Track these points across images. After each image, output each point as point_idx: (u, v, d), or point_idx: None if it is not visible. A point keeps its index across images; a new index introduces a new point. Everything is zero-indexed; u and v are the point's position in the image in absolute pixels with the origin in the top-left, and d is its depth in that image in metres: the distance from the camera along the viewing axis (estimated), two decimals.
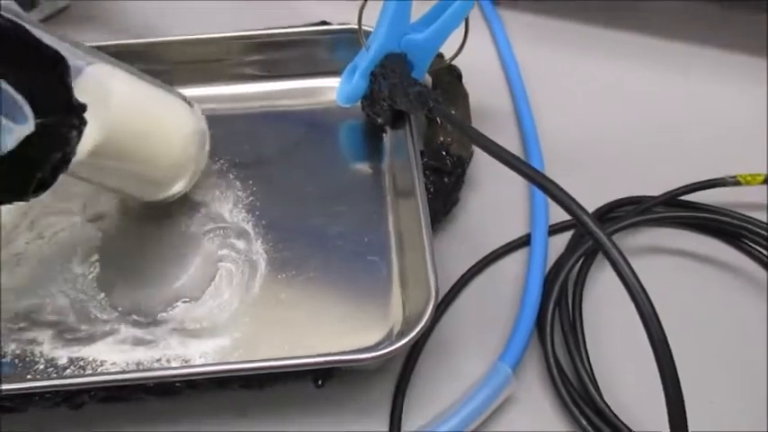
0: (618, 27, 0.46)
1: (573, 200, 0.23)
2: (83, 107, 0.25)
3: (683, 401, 0.21)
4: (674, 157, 0.38)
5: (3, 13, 0.23)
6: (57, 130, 0.24)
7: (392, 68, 0.34)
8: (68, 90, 0.24)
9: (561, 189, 0.24)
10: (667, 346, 0.21)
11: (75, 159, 0.25)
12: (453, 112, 0.36)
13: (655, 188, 0.36)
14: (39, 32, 0.26)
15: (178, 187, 0.32)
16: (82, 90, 0.25)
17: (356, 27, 0.36)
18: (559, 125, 0.40)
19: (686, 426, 0.21)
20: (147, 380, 0.27)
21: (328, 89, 0.39)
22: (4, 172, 0.22)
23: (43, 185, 0.24)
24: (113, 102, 0.28)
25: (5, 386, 0.25)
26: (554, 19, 0.47)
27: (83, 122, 0.25)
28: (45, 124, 0.23)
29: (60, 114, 0.24)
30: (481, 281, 0.34)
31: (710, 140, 0.39)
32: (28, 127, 0.22)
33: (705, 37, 0.44)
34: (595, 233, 0.22)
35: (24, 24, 0.23)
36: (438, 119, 0.36)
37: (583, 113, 0.41)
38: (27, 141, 0.22)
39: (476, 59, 0.38)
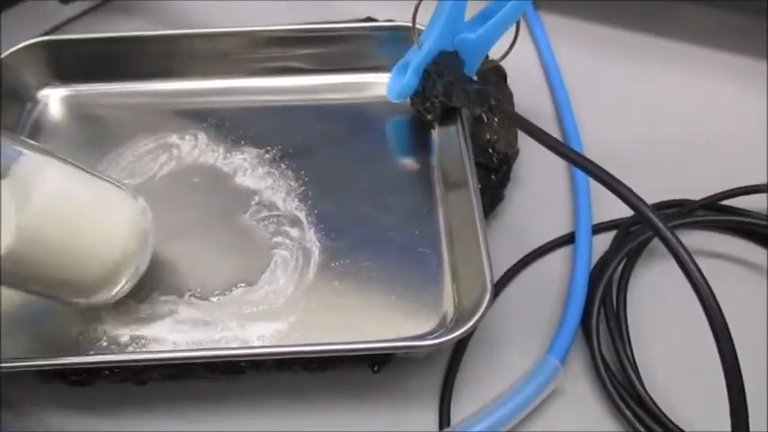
0: (658, 33, 0.46)
1: (630, 189, 0.24)
2: None
3: (745, 397, 0.21)
4: (715, 162, 0.39)
5: None
6: None
7: (446, 66, 0.34)
8: None
9: (619, 181, 0.25)
10: (730, 337, 0.22)
11: None
12: None
13: (694, 193, 0.37)
14: None
15: (116, 289, 0.29)
16: (10, 186, 0.24)
17: (403, 24, 0.37)
18: (600, 128, 0.41)
19: (747, 421, 0.21)
20: (211, 358, 0.27)
21: (374, 84, 0.39)
22: None
23: None
24: (35, 203, 0.25)
25: (75, 359, 0.26)
26: (594, 23, 0.47)
27: None
28: None
29: None
30: (525, 277, 0.35)
31: (752, 146, 0.40)
32: None
33: (748, 46, 0.45)
34: (652, 220, 0.23)
35: None
36: (484, 115, 0.37)
37: (623, 117, 0.42)
38: None
39: (518, 61, 0.39)
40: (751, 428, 0.29)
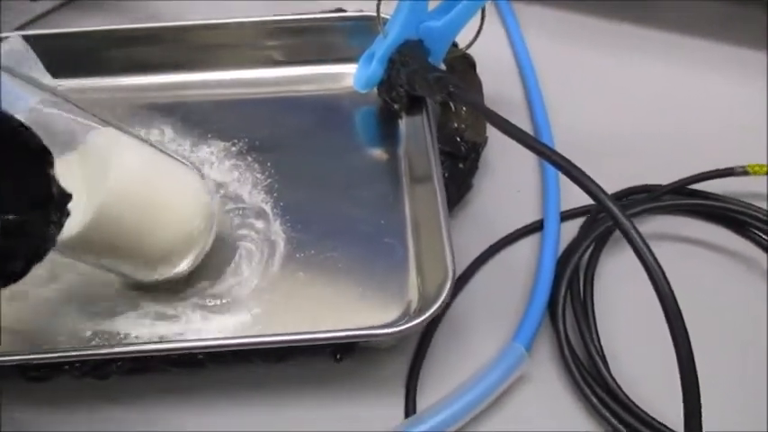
0: (630, 21, 0.46)
1: (592, 180, 0.24)
2: (65, 197, 0.23)
3: (696, 377, 0.21)
4: (683, 148, 0.39)
5: None
6: (33, 227, 0.22)
7: (410, 55, 0.34)
8: (49, 184, 0.22)
9: (581, 170, 0.25)
10: (681, 318, 0.22)
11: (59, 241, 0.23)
12: None
13: (664, 178, 0.37)
14: (39, 95, 0.25)
15: (180, 269, 0.29)
16: (80, 159, 0.24)
17: (372, 14, 0.36)
18: (571, 115, 0.41)
19: (699, 401, 0.21)
20: (169, 351, 0.27)
21: (344, 75, 0.39)
22: None
23: (13, 277, 0.22)
24: (113, 180, 0.25)
25: (35, 356, 0.26)
26: (566, 12, 0.47)
27: (64, 215, 0.23)
28: (18, 223, 0.21)
29: (37, 211, 0.22)
30: (494, 264, 0.35)
31: (721, 132, 0.40)
32: None
33: (715, 32, 0.45)
34: (612, 210, 0.23)
35: (13, 115, 0.21)
36: (453, 105, 0.37)
37: (594, 104, 0.42)
38: None
39: (489, 49, 0.39)
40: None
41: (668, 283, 0.22)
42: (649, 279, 0.22)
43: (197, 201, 0.29)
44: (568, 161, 0.25)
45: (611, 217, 0.23)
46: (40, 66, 0.30)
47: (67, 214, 0.23)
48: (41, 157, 0.22)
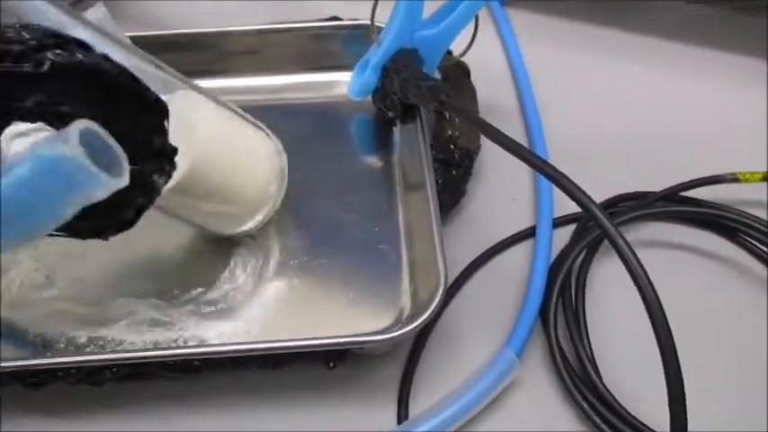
0: (622, 28, 0.47)
1: (580, 190, 0.24)
2: (174, 150, 0.24)
3: (682, 381, 0.22)
4: (676, 155, 0.39)
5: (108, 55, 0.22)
6: (147, 177, 0.23)
7: (404, 63, 0.34)
8: (165, 136, 0.23)
9: (569, 179, 0.25)
10: (667, 324, 0.22)
11: None
12: None
13: (657, 185, 0.37)
14: (127, 54, 0.26)
15: (254, 223, 0.31)
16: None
17: (367, 23, 0.37)
18: (564, 122, 0.41)
19: (685, 408, 0.22)
20: (164, 358, 0.28)
21: (340, 83, 0.40)
22: (86, 214, 0.20)
23: (125, 225, 0.24)
24: (198, 136, 0.28)
25: (30, 362, 0.26)
26: (560, 19, 0.48)
27: (173, 167, 0.24)
28: (137, 172, 0.22)
29: (153, 161, 0.23)
30: (487, 271, 0.35)
31: (712, 139, 0.40)
32: (123, 180, 0.20)
33: (708, 39, 0.45)
34: (600, 220, 0.23)
35: (127, 68, 0.22)
36: (447, 113, 0.37)
37: (587, 111, 0.42)
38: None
39: (484, 57, 0.39)
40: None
41: (653, 288, 0.22)
42: (635, 284, 0.23)
43: (269, 159, 0.31)
44: (554, 168, 0.25)
45: (599, 226, 0.24)
46: (122, 33, 0.32)
47: (175, 166, 0.24)
48: (158, 109, 0.23)
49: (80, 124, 0.19)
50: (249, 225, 0.31)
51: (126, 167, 0.20)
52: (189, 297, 0.31)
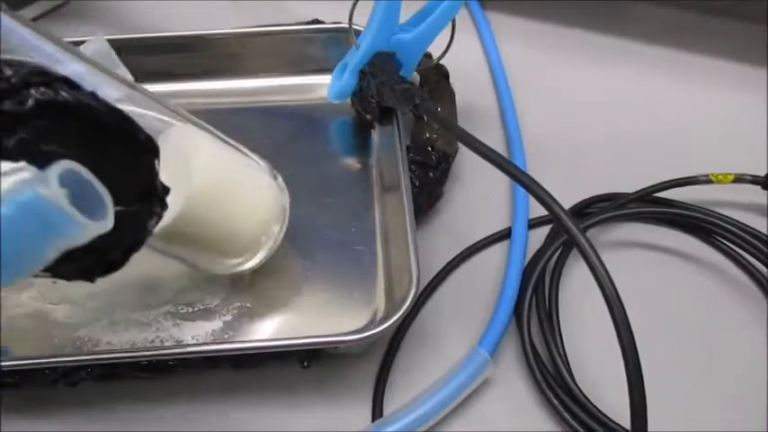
0: (600, 31, 0.47)
1: (547, 193, 0.25)
2: (166, 191, 0.23)
3: (640, 371, 0.22)
4: (651, 157, 0.40)
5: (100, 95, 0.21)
6: (135, 219, 0.22)
7: (381, 67, 0.35)
8: (154, 177, 0.23)
9: (538, 184, 0.26)
10: (627, 322, 0.22)
11: None
12: (439, 109, 0.38)
13: (633, 186, 0.37)
14: (123, 88, 0.25)
15: (252, 263, 0.30)
16: (163, 156, 0.23)
17: (346, 26, 0.37)
18: (542, 124, 0.42)
19: (644, 399, 0.22)
20: (140, 358, 0.28)
21: (320, 86, 0.40)
22: (70, 257, 0.20)
23: (112, 267, 0.23)
24: (194, 174, 0.26)
25: (6, 362, 0.26)
26: (540, 22, 0.48)
27: (164, 208, 0.23)
28: (124, 213, 0.21)
29: (142, 202, 0.22)
30: (463, 271, 0.36)
31: (687, 141, 0.41)
32: (106, 224, 0.19)
33: (684, 42, 0.46)
34: (565, 222, 0.24)
35: (121, 108, 0.21)
36: (424, 116, 0.38)
37: (565, 114, 0.43)
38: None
39: (463, 60, 0.40)
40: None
41: (612, 283, 0.23)
42: (594, 279, 0.23)
43: (270, 197, 0.30)
44: (524, 173, 0.26)
45: (558, 222, 0.24)
46: (122, 65, 0.31)
47: (166, 207, 0.23)
48: (149, 150, 0.22)
49: (61, 165, 0.18)
50: (247, 265, 0.30)
51: (110, 210, 0.20)
52: (166, 298, 0.31)
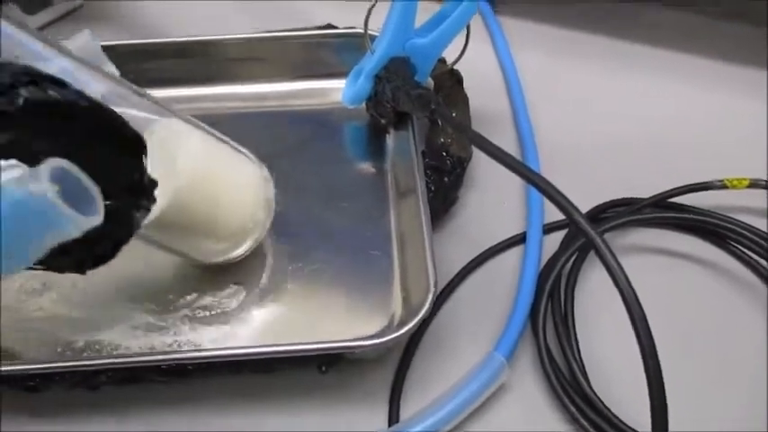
0: (614, 35, 0.47)
1: (564, 197, 0.25)
2: (154, 185, 0.24)
3: (662, 379, 0.22)
4: (667, 162, 0.40)
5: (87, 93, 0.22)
6: (124, 213, 0.23)
7: (396, 72, 0.35)
8: (143, 172, 0.23)
9: (555, 188, 0.26)
10: (647, 326, 0.22)
11: None
12: (453, 114, 0.38)
13: (648, 191, 0.37)
14: (109, 83, 0.26)
15: (239, 251, 0.31)
16: (149, 150, 0.24)
17: (362, 31, 0.37)
18: (556, 129, 0.42)
19: (666, 408, 0.22)
20: (159, 362, 0.28)
21: (334, 90, 0.40)
22: (62, 249, 0.20)
23: (102, 259, 0.24)
24: (180, 168, 0.27)
25: (31, 366, 0.27)
26: (552, 26, 0.48)
27: (152, 201, 0.24)
28: (114, 208, 0.22)
29: (131, 196, 0.23)
30: (478, 276, 0.36)
31: (702, 147, 0.41)
32: (96, 218, 0.20)
33: (698, 47, 0.46)
34: (582, 226, 0.24)
35: (108, 105, 0.22)
36: (439, 120, 0.38)
37: (578, 118, 0.43)
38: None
39: (477, 65, 0.40)
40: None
41: (633, 289, 0.23)
42: (615, 285, 0.23)
43: (255, 188, 0.30)
44: (541, 177, 0.26)
45: (579, 231, 0.24)
46: (107, 60, 0.32)
47: (154, 200, 0.24)
48: (137, 146, 0.23)
49: (52, 163, 0.19)
50: (235, 253, 0.31)
51: (100, 205, 0.20)
52: (184, 302, 0.31)
